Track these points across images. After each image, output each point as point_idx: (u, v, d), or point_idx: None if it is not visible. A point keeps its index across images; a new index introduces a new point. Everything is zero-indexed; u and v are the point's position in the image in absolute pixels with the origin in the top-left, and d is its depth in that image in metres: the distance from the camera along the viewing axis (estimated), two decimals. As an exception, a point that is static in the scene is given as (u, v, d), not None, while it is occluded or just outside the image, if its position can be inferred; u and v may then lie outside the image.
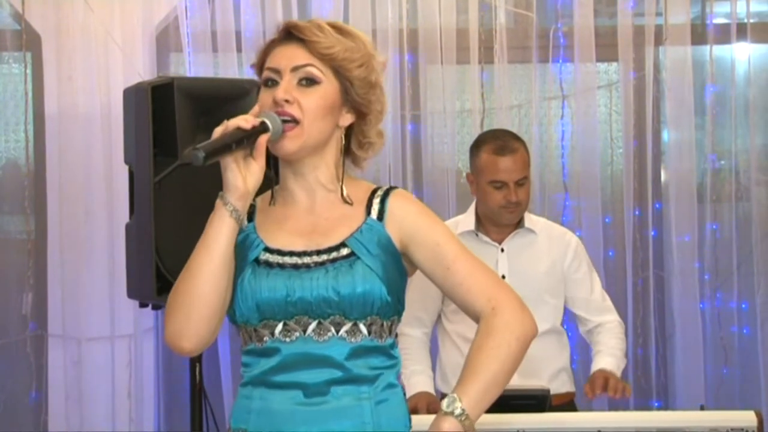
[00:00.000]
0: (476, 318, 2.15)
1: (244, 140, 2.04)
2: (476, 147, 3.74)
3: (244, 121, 2.05)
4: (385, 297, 2.11)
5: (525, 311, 2.14)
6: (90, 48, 4.62)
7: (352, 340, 2.11)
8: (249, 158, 2.07)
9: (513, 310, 2.13)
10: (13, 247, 4.72)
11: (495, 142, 3.71)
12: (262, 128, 2.07)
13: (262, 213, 2.19)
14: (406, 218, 2.18)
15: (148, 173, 3.38)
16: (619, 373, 3.65)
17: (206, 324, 2.08)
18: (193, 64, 4.66)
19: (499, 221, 3.71)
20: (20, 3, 4.60)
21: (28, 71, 4.67)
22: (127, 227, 3.52)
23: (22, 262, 4.66)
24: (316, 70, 2.13)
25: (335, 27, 2.17)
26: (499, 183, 3.65)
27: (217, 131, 2.04)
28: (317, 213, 2.18)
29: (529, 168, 3.71)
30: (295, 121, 2.11)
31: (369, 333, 2.12)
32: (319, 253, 2.13)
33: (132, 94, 3.49)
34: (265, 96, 2.14)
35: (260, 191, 2.19)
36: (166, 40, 4.75)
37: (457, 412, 2.03)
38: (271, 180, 2.22)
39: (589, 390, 3.54)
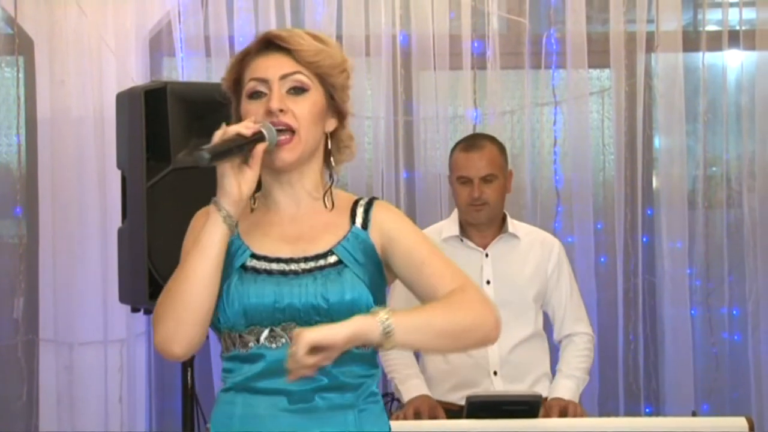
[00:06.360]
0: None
1: (245, 147, 2.05)
2: (451, 150, 3.84)
3: (245, 128, 2.06)
4: (371, 305, 2.11)
5: (489, 306, 2.13)
6: (83, 52, 4.61)
7: None
8: (244, 166, 2.07)
9: (481, 302, 2.13)
10: (5, 252, 4.70)
11: (465, 141, 3.86)
12: (261, 137, 2.07)
13: (245, 219, 2.17)
14: (386, 222, 2.19)
15: (141, 178, 3.38)
16: (577, 397, 3.65)
17: (198, 329, 2.08)
18: (186, 69, 4.65)
19: (467, 219, 3.73)
20: (12, 7, 4.60)
21: (21, 75, 4.67)
22: (120, 232, 3.53)
23: (14, 266, 4.64)
24: (305, 77, 2.15)
25: (312, 35, 2.19)
26: (464, 178, 3.70)
27: (217, 135, 2.05)
28: (302, 220, 2.19)
29: (499, 168, 3.73)
30: (291, 131, 2.12)
31: None
32: (306, 260, 2.14)
33: (125, 99, 3.50)
34: (254, 107, 2.14)
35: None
36: (159, 44, 4.75)
37: (385, 319, 1.99)
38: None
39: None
